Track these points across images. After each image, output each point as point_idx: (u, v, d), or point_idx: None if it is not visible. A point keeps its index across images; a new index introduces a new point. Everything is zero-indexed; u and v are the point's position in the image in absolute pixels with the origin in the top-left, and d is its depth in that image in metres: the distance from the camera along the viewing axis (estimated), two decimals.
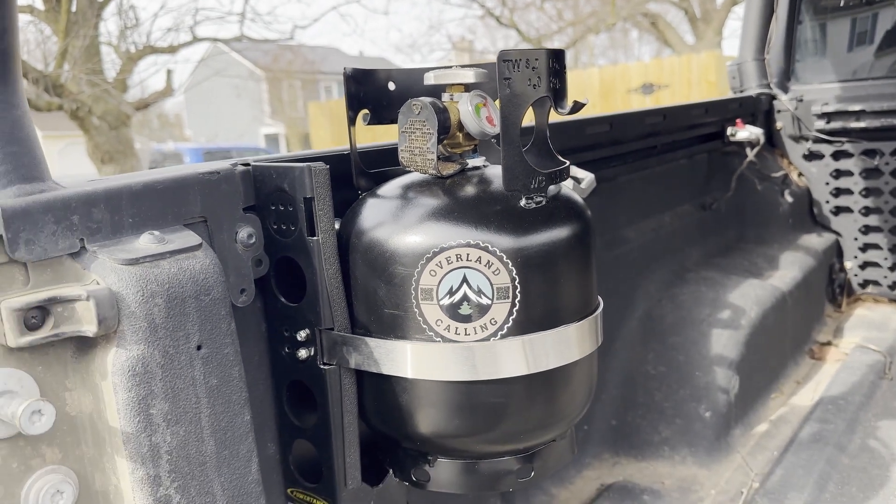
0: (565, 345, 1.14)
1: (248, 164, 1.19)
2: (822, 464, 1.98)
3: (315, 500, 1.25)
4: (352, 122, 1.26)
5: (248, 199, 1.18)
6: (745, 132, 3.04)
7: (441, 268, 1.08)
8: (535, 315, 1.10)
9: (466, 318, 1.08)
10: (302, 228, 1.15)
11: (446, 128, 1.17)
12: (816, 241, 3.27)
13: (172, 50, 14.69)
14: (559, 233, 1.14)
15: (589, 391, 1.23)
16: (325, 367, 1.18)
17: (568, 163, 1.21)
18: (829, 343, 3.00)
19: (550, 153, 1.25)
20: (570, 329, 1.14)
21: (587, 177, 1.65)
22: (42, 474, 0.91)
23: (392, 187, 1.22)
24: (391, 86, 1.30)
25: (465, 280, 1.08)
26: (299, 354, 1.19)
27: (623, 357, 2.30)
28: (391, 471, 1.28)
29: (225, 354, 1.00)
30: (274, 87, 31.72)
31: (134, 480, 0.92)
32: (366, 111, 1.28)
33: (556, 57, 1.10)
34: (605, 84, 13.08)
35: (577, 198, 1.25)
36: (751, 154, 3.06)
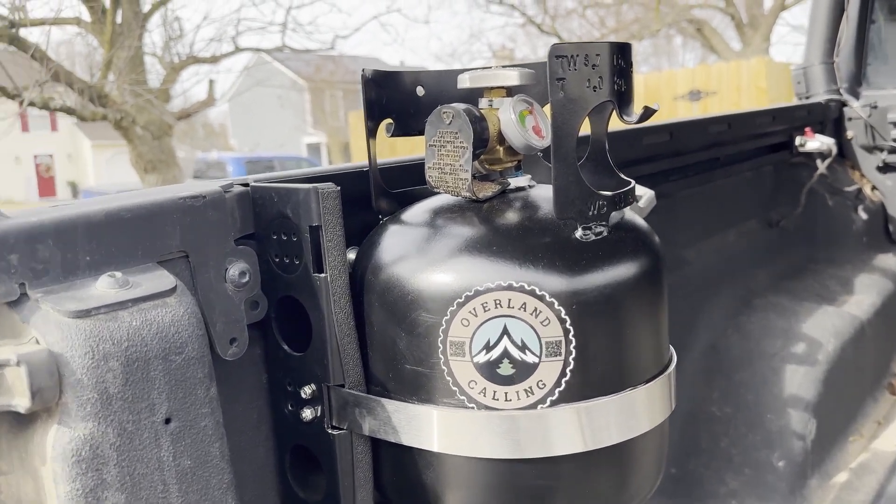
0: (631, 413, 0.91)
1: (247, 185, 0.99)
2: None
3: None
4: (371, 133, 1.06)
5: (246, 226, 0.98)
6: (815, 142, 2.76)
7: (475, 316, 0.86)
8: (593, 377, 0.88)
9: (507, 380, 0.86)
10: (307, 263, 0.94)
11: (483, 140, 0.95)
12: (893, 261, 2.97)
13: (215, 60, 14.78)
14: (625, 271, 0.91)
15: (659, 466, 1.01)
16: (334, 432, 0.97)
17: (633, 183, 0.99)
18: None
19: (611, 170, 1.02)
20: (637, 393, 0.91)
21: (646, 194, 1.42)
22: None
23: (417, 212, 1.01)
24: (420, 90, 1.09)
25: (505, 332, 0.86)
26: (304, 415, 0.99)
27: (684, 396, 2.04)
28: None
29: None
30: (316, 96, 32.05)
31: None
32: (389, 121, 1.08)
33: (622, 52, 0.88)
34: (651, 91, 12.71)
35: (645, 225, 1.02)
36: (822, 166, 2.78)
